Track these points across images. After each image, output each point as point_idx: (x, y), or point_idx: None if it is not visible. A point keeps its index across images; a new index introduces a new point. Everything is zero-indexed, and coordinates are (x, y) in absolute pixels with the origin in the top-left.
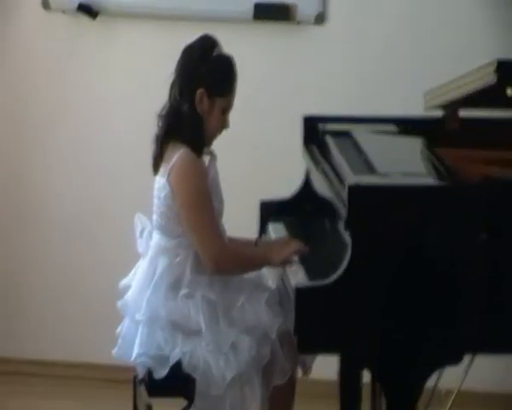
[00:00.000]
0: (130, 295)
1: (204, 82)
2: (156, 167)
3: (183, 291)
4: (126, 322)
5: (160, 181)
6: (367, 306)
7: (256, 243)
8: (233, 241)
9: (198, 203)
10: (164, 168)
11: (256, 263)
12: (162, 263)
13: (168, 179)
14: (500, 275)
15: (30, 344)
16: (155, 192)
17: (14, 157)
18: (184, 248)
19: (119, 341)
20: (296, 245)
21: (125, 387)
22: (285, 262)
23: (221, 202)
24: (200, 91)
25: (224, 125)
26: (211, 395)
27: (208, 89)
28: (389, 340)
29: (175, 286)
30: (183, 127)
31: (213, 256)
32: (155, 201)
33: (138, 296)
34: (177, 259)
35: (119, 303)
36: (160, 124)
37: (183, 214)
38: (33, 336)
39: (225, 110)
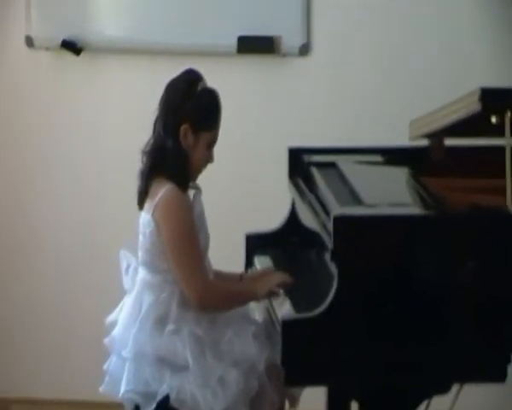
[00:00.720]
0: (116, 331)
1: (188, 117)
2: (141, 203)
3: (170, 327)
4: (113, 359)
5: (145, 217)
6: (354, 337)
7: (241, 276)
8: (218, 275)
9: (183, 240)
10: (149, 204)
11: (241, 298)
12: (148, 299)
13: (153, 216)
14: (487, 303)
15: (17, 382)
16: (140, 228)
17: (2, 194)
18: (170, 284)
19: (107, 377)
20: (280, 277)
21: None
22: (270, 295)
23: (207, 236)
24: (184, 127)
25: (209, 159)
26: None
27: (193, 124)
28: (376, 371)
29: (161, 322)
30: (167, 163)
31: (198, 294)
32: (140, 237)
33: (124, 333)
34: (163, 294)
35: (106, 340)
36: (144, 160)
37: (168, 251)
38: (21, 373)
39: (210, 144)
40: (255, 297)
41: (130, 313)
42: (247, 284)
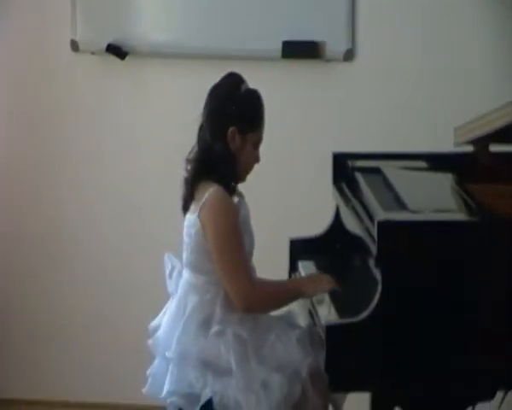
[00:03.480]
0: (160, 333)
1: (235, 120)
2: (186, 208)
3: (214, 329)
4: (157, 360)
5: (190, 218)
6: (398, 343)
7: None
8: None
9: (229, 242)
10: (195, 206)
11: (288, 296)
12: (192, 301)
13: (199, 216)
14: None
15: (59, 386)
16: (185, 229)
17: (46, 198)
18: (214, 285)
19: (150, 379)
20: (329, 280)
21: None
22: (317, 293)
23: (252, 240)
24: (231, 130)
25: (256, 159)
26: None
27: (240, 126)
28: (421, 377)
29: (205, 324)
30: (216, 167)
31: (243, 297)
32: (185, 238)
33: (169, 335)
34: (207, 296)
35: (150, 342)
36: (188, 167)
37: (213, 251)
38: (66, 377)
39: (257, 144)
40: (302, 294)
41: (174, 314)
42: (294, 283)
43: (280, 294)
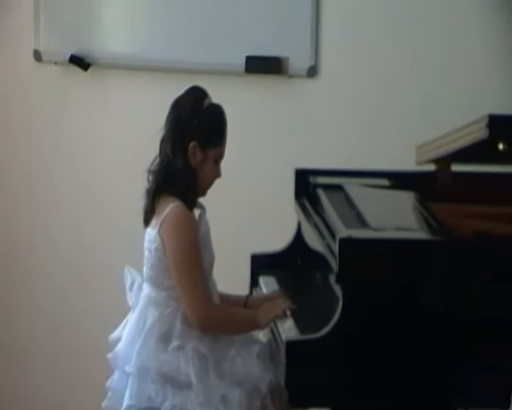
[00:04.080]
0: (120, 347)
1: (196, 135)
2: (147, 221)
3: (174, 343)
4: (116, 374)
5: (151, 233)
6: (358, 359)
7: (247, 299)
8: (224, 298)
9: (186, 258)
10: (155, 220)
11: (242, 325)
12: (152, 315)
13: (159, 232)
14: (494, 329)
15: (17, 403)
16: (146, 244)
17: (6, 207)
18: (174, 301)
19: (109, 393)
20: (282, 305)
21: None
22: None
23: (212, 256)
24: (192, 144)
25: (217, 174)
26: None
27: (201, 141)
28: (379, 393)
29: (165, 338)
30: (176, 182)
31: (198, 317)
32: (146, 253)
33: (128, 348)
34: (167, 311)
35: (110, 355)
36: (150, 178)
37: (172, 268)
38: (21, 394)
39: (218, 159)
40: (257, 327)
41: (134, 328)
42: (249, 312)
43: (235, 320)
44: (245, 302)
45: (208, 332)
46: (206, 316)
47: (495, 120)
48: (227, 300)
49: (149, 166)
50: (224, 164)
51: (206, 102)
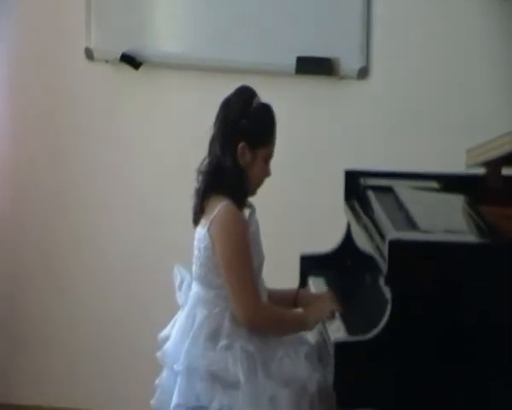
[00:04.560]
0: (169, 345)
1: (245, 135)
2: (197, 220)
3: (222, 342)
4: (165, 372)
5: (200, 232)
6: (407, 362)
7: (297, 293)
8: (273, 293)
9: (236, 257)
10: (205, 220)
11: (291, 326)
12: (201, 314)
13: (209, 230)
14: None
15: (65, 396)
16: (195, 243)
17: (54, 203)
18: (223, 300)
19: (158, 391)
20: (331, 307)
21: None
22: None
23: (262, 256)
24: (241, 145)
25: (266, 173)
26: None
27: (250, 141)
28: (429, 396)
29: (214, 337)
30: (226, 181)
31: (247, 316)
32: (195, 251)
33: (177, 347)
34: (216, 310)
35: (159, 354)
36: (200, 179)
37: (221, 267)
38: (68, 387)
39: (267, 159)
40: (305, 328)
41: (182, 327)
42: (298, 314)
43: (283, 321)
44: (295, 297)
45: (256, 332)
46: (255, 316)
47: None
48: (277, 295)
49: (199, 166)
50: (273, 164)
51: (255, 101)
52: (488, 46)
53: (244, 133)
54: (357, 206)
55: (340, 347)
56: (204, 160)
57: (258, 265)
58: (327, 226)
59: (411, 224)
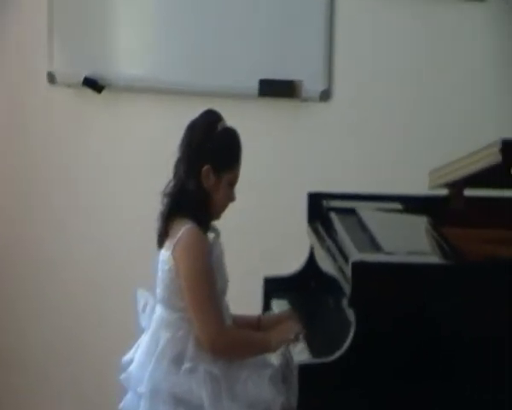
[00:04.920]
0: (132, 368)
1: (210, 159)
2: (161, 243)
3: (186, 365)
4: (129, 395)
5: (164, 254)
6: (371, 383)
7: (259, 319)
8: (236, 319)
9: (199, 280)
10: (169, 243)
11: (254, 349)
12: (164, 336)
13: (173, 253)
14: (506, 354)
15: None
16: (159, 265)
17: (16, 224)
18: (187, 322)
19: None
20: (295, 328)
21: None
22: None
23: (225, 279)
24: (206, 168)
25: (231, 197)
26: None
27: (214, 165)
28: None
29: (177, 360)
30: (189, 204)
31: (209, 340)
32: (159, 274)
33: (141, 370)
34: (180, 332)
35: (122, 376)
36: (164, 201)
37: (185, 290)
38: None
39: (232, 183)
40: (269, 350)
41: (146, 350)
42: (260, 336)
43: (246, 344)
44: (257, 322)
45: (219, 356)
46: (217, 340)
47: (508, 145)
48: (240, 321)
49: (163, 189)
50: (238, 187)
51: (220, 125)
52: (457, 70)
53: (208, 156)
54: (320, 228)
55: (304, 369)
56: (169, 182)
57: (222, 288)
58: (290, 249)
59: (374, 245)
